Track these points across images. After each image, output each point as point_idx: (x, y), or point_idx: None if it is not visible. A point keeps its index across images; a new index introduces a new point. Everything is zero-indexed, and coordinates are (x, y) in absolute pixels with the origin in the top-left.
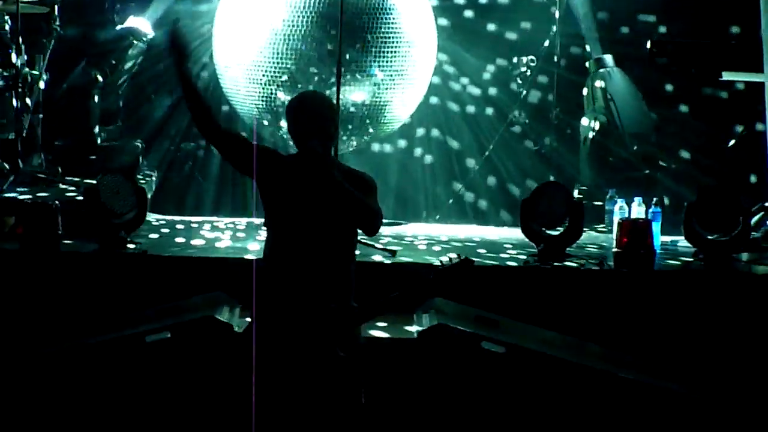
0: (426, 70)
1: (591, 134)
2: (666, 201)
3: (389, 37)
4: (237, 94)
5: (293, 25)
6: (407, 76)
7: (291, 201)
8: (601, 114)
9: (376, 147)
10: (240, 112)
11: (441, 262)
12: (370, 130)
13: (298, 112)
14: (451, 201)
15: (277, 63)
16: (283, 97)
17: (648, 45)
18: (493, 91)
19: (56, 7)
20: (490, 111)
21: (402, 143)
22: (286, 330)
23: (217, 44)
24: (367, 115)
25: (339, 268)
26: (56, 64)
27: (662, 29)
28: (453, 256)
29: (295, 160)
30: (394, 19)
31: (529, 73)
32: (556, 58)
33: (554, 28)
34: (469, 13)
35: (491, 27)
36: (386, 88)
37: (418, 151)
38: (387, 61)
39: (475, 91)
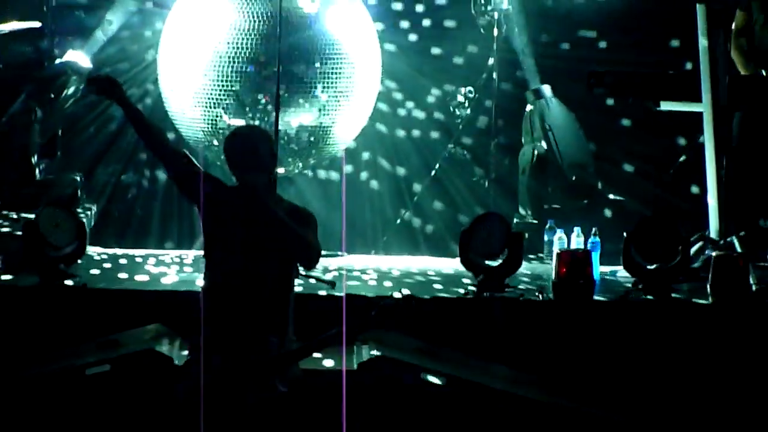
0: (371, 91)
1: (529, 164)
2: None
3: (334, 59)
4: (182, 118)
5: (238, 47)
6: (352, 97)
7: (229, 232)
8: (539, 144)
9: (322, 174)
10: (185, 136)
11: (383, 299)
12: (314, 152)
13: (234, 146)
14: (385, 238)
15: (222, 86)
16: (228, 120)
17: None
18: (438, 114)
19: None
20: (435, 134)
21: (348, 168)
22: (226, 363)
23: (162, 68)
24: (312, 136)
25: (277, 301)
26: None
27: (602, 44)
28: (397, 294)
29: (235, 192)
30: (338, 40)
31: (467, 104)
32: (494, 88)
33: (491, 59)
34: (413, 37)
35: (436, 51)
36: (331, 109)
37: (363, 176)
38: (331, 82)
39: (420, 114)
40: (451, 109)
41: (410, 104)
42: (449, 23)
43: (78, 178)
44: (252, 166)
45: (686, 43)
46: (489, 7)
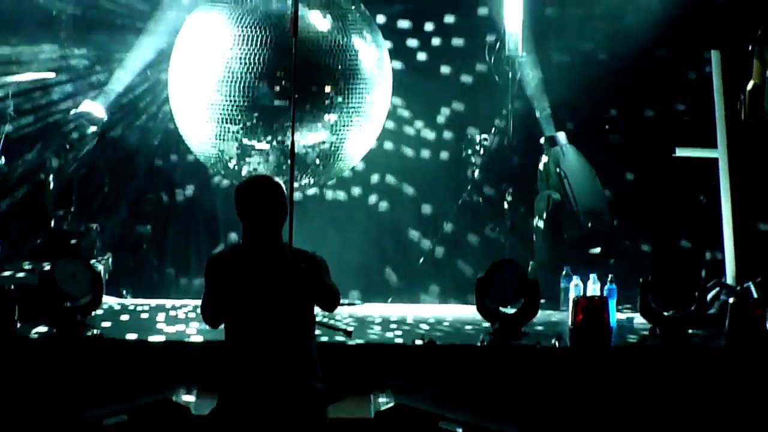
0: (382, 109)
1: (545, 211)
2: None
3: (348, 75)
4: (194, 135)
5: (250, 63)
6: (363, 114)
7: (248, 288)
8: (555, 192)
9: (332, 232)
10: (197, 153)
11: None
12: (325, 170)
13: (246, 197)
14: (401, 285)
15: (234, 102)
16: (246, 141)
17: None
18: (447, 135)
19: (10, 92)
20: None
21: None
22: (253, 414)
23: (173, 88)
24: (322, 155)
25: (301, 348)
26: (10, 147)
27: (618, 91)
28: (418, 342)
29: (246, 246)
30: (351, 57)
31: (482, 151)
32: (509, 136)
33: (506, 106)
34: (422, 56)
35: (445, 70)
36: (343, 126)
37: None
38: (344, 100)
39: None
40: (467, 155)
41: (420, 125)
42: (457, 41)
43: (94, 228)
44: (265, 217)
45: (701, 89)
46: (504, 54)
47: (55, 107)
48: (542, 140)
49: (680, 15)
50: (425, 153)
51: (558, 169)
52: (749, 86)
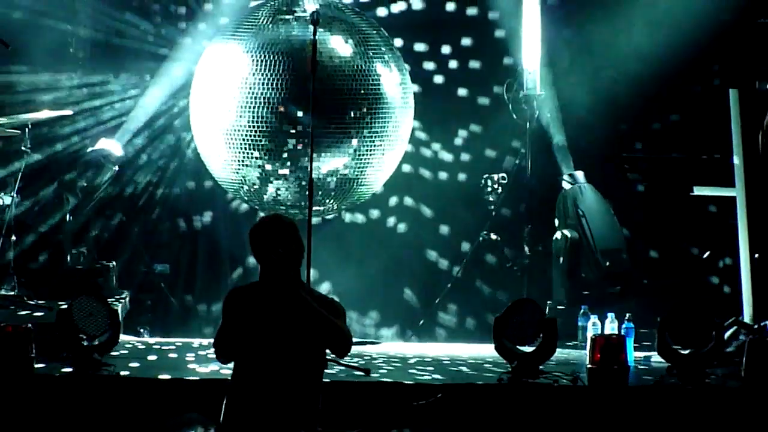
0: (404, 132)
1: (563, 250)
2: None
3: (371, 100)
4: (215, 160)
5: (271, 88)
6: (387, 138)
7: (260, 326)
8: (572, 230)
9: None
10: (217, 179)
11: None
12: (348, 194)
13: (262, 237)
14: (420, 323)
15: (255, 126)
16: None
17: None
18: (465, 156)
19: (27, 129)
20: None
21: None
22: None
23: (194, 114)
24: (344, 180)
25: (307, 392)
26: (27, 185)
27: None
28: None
29: (263, 285)
30: (374, 81)
31: (500, 190)
32: (527, 174)
33: (524, 147)
34: (439, 79)
35: (462, 92)
36: (366, 150)
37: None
38: (368, 124)
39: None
40: (485, 194)
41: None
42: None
43: (111, 266)
44: (281, 258)
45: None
46: (522, 92)
47: (72, 144)
48: (561, 178)
49: (700, 49)
50: (443, 175)
51: (576, 208)
52: (766, 122)
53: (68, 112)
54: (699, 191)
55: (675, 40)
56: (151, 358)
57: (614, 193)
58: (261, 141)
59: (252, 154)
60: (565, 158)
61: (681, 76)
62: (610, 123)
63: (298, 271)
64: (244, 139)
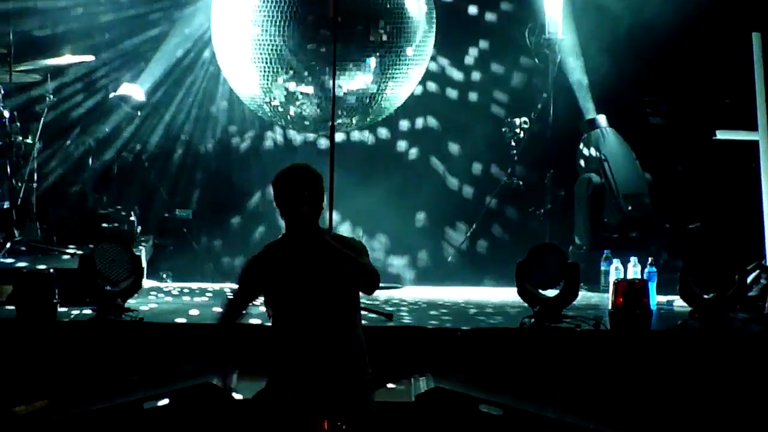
0: (425, 51)
1: (585, 195)
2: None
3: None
4: (240, 82)
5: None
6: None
7: (291, 278)
8: (594, 175)
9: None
10: (244, 99)
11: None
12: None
13: (286, 184)
14: (450, 258)
15: (278, 46)
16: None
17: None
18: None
19: (48, 75)
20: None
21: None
22: (302, 400)
23: (217, 40)
24: (363, 101)
25: (348, 334)
26: (49, 131)
27: (658, 72)
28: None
29: (287, 237)
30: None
31: (522, 135)
32: (549, 118)
33: (546, 89)
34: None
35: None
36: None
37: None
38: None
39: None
40: (507, 139)
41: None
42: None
43: (133, 212)
44: (304, 204)
45: (743, 70)
46: (544, 37)
47: (95, 90)
48: (582, 123)
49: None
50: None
51: (598, 153)
52: None
53: (90, 57)
54: (722, 135)
55: None
56: (173, 302)
57: (636, 137)
58: (286, 57)
59: (277, 69)
60: (587, 102)
61: (703, 19)
62: (633, 68)
63: (319, 218)
64: (269, 55)
